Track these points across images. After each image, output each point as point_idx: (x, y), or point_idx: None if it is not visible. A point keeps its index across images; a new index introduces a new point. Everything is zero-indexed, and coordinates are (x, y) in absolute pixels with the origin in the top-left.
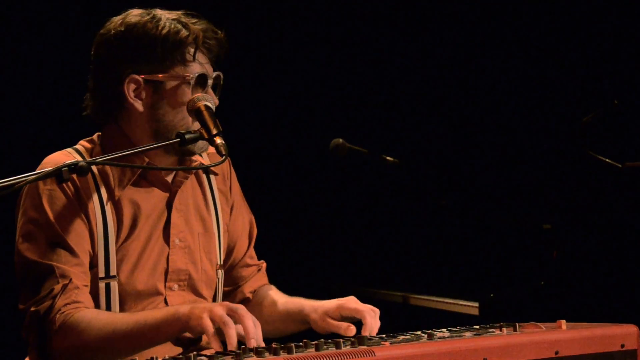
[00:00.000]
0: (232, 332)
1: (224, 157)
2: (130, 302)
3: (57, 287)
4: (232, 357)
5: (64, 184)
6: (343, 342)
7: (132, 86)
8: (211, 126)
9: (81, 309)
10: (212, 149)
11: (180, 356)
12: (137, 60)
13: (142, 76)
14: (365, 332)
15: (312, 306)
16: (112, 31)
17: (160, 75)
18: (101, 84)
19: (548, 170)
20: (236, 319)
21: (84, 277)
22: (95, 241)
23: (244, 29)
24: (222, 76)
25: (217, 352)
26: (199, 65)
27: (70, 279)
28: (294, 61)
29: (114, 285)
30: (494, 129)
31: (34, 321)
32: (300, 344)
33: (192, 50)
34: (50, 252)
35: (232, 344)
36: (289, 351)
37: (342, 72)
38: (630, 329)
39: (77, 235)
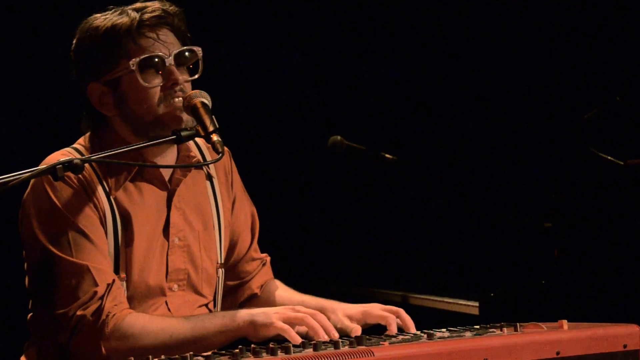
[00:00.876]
0: (311, 321)
1: (220, 154)
2: (135, 301)
3: (101, 289)
4: (229, 357)
5: (71, 183)
6: (342, 342)
7: (95, 94)
8: (207, 123)
9: (131, 312)
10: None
11: (177, 356)
12: (92, 65)
13: (99, 81)
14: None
15: (332, 307)
16: (72, 45)
17: (111, 75)
18: (82, 99)
19: (549, 168)
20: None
21: (115, 275)
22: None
23: (242, 25)
24: (197, 51)
25: (213, 353)
26: (143, 50)
27: (114, 279)
28: (292, 57)
29: (122, 284)
30: (495, 126)
31: (81, 325)
32: (298, 343)
33: (130, 37)
34: (81, 252)
35: (320, 333)
36: (287, 351)
37: (340, 68)
38: (633, 329)
39: (98, 231)
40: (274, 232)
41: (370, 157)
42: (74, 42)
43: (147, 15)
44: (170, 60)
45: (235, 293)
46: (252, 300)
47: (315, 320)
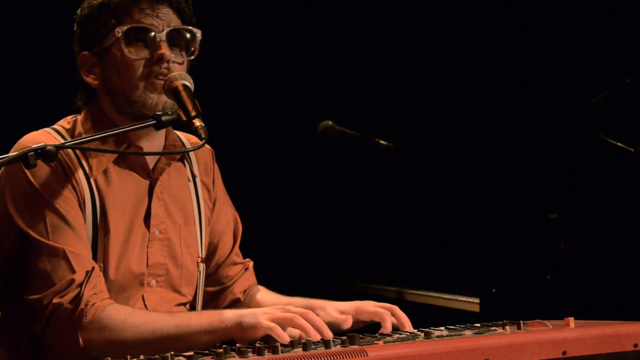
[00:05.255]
0: (301, 321)
1: (203, 140)
2: (110, 293)
3: (79, 276)
4: (212, 357)
5: (51, 165)
6: (333, 341)
7: (86, 64)
8: (190, 107)
9: (111, 302)
10: (193, 139)
11: (157, 356)
12: (85, 37)
13: (90, 51)
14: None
15: (322, 305)
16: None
17: (100, 45)
18: (76, 71)
19: (555, 155)
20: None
21: (94, 262)
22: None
23: (231, 9)
24: (196, 33)
25: (196, 352)
26: (134, 21)
27: (93, 267)
28: (280, 39)
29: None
30: (496, 112)
31: (58, 314)
32: (287, 345)
33: (123, 9)
34: (59, 235)
35: (310, 333)
36: (275, 351)
37: (330, 48)
38: None
39: (77, 215)
40: (264, 226)
41: (363, 143)
42: (78, 11)
43: None
44: (162, 36)
45: (217, 299)
46: (235, 306)
47: (307, 319)
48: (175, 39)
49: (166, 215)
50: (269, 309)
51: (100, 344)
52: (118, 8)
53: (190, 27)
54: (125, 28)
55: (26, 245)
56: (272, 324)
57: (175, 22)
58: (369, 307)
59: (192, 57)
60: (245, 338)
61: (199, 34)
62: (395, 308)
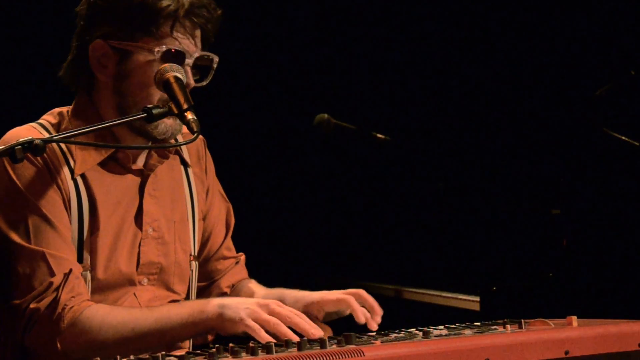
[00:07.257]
0: (283, 329)
1: (195, 134)
2: (100, 293)
3: (57, 279)
4: (204, 358)
5: (34, 161)
6: (329, 341)
7: (98, 52)
8: (181, 100)
9: (90, 304)
10: (185, 130)
11: (147, 356)
12: (110, 24)
13: (109, 42)
14: (360, 319)
15: (294, 297)
16: None
17: (127, 44)
18: (76, 45)
19: (557, 149)
20: (280, 318)
21: (77, 263)
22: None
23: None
24: (214, 59)
25: (187, 352)
26: (174, 40)
27: (71, 269)
28: (276, 32)
29: (85, 274)
30: (496, 103)
31: (35, 319)
32: (281, 342)
33: (170, 22)
34: (40, 238)
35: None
36: (269, 350)
37: (326, 41)
38: None
39: (62, 216)
40: (259, 221)
41: (360, 137)
42: None
43: (194, 10)
44: (190, 62)
45: (205, 293)
46: None
47: (294, 322)
48: (197, 63)
49: (160, 212)
50: (253, 304)
51: (79, 347)
52: (160, 18)
53: (211, 55)
54: (164, 49)
55: (7, 248)
56: (255, 325)
57: (199, 43)
58: (332, 296)
59: (205, 83)
60: (226, 331)
61: (216, 61)
62: (361, 292)
